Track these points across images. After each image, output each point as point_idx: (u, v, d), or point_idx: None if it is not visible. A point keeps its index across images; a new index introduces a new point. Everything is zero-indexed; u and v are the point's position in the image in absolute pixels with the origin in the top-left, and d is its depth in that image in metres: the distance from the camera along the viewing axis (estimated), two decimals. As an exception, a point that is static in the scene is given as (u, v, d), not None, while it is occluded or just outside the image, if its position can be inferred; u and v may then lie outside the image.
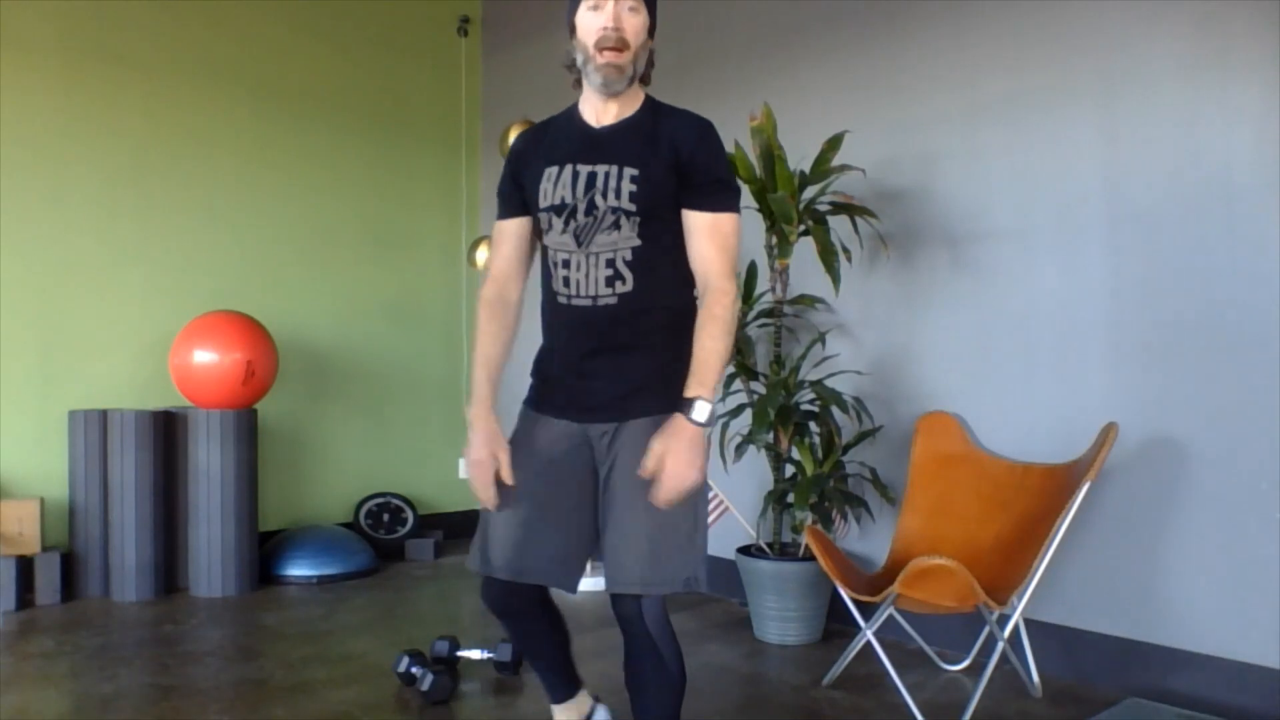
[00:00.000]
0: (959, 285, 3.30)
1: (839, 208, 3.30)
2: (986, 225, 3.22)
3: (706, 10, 4.16)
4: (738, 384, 3.50)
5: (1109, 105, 2.92)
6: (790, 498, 3.22)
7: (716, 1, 4.12)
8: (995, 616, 2.73)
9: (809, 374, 3.53)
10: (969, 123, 3.26)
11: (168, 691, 2.85)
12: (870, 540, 3.49)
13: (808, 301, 3.54)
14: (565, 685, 2.09)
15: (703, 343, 1.74)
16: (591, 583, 3.49)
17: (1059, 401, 3.02)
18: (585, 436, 1.86)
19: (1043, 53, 3.07)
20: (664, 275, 1.82)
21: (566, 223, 1.80)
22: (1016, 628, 2.81)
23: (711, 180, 1.80)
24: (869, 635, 2.71)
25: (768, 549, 3.44)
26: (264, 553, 4.25)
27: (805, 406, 3.40)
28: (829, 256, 3.18)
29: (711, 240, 1.79)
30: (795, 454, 3.42)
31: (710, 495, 3.38)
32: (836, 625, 3.41)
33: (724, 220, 1.80)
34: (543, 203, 1.83)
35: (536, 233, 1.92)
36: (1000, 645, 2.62)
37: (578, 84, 1.88)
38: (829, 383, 3.38)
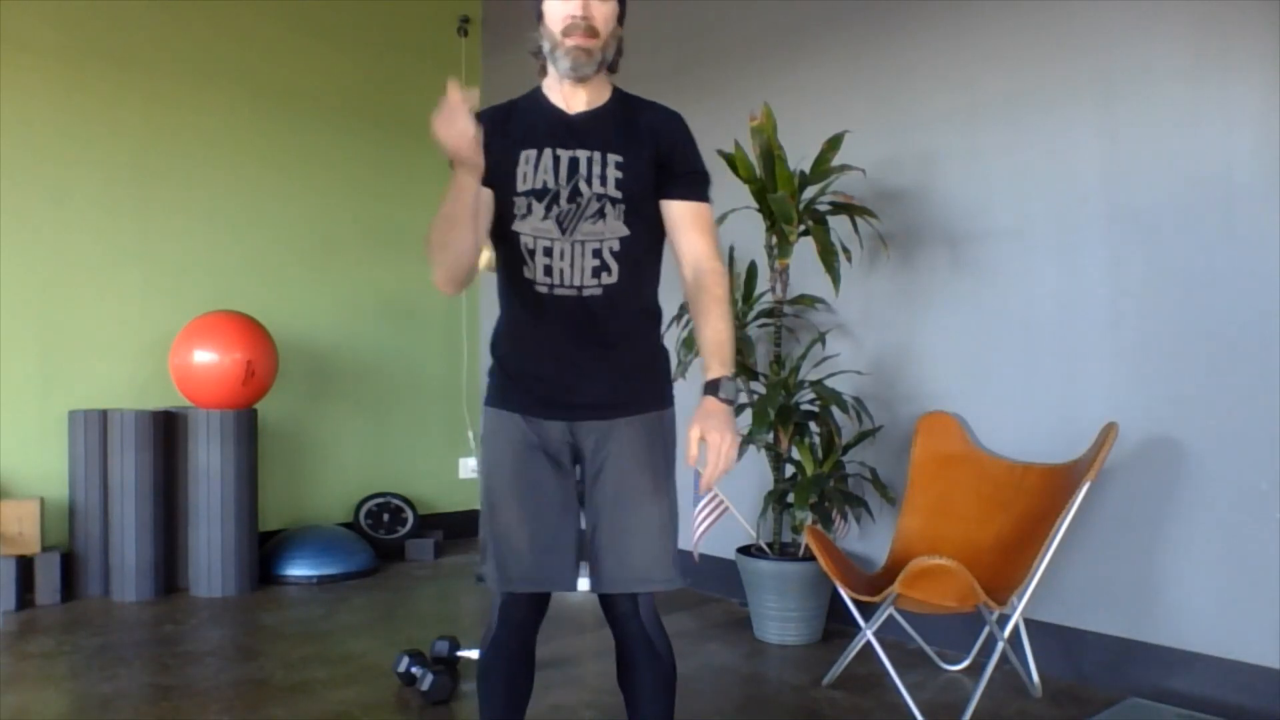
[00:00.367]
0: (959, 285, 3.30)
1: (839, 208, 3.30)
2: (986, 225, 3.22)
3: (706, 10, 4.16)
4: (738, 384, 3.50)
5: (1109, 105, 2.92)
6: (790, 498, 3.22)
7: (716, 1, 4.12)
8: (995, 616, 2.73)
9: (809, 374, 3.53)
10: (969, 122, 3.26)
11: (168, 691, 2.85)
12: (870, 540, 3.49)
13: (808, 301, 3.54)
14: None
15: (714, 324, 1.74)
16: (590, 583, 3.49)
17: (1059, 401, 3.02)
18: (571, 434, 1.80)
19: (1043, 53, 3.07)
20: (644, 269, 1.82)
21: (549, 208, 1.74)
22: (1016, 628, 2.81)
23: (693, 171, 1.82)
24: (869, 635, 2.71)
25: (768, 549, 3.44)
26: (264, 553, 4.26)
27: (805, 406, 3.40)
28: (829, 256, 3.18)
29: (698, 228, 1.80)
30: (795, 454, 3.42)
31: (710, 495, 3.38)
32: (836, 625, 3.41)
33: (707, 209, 1.84)
34: (521, 186, 1.75)
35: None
36: (1000, 645, 2.62)
37: (543, 70, 1.82)
38: (829, 383, 3.38)
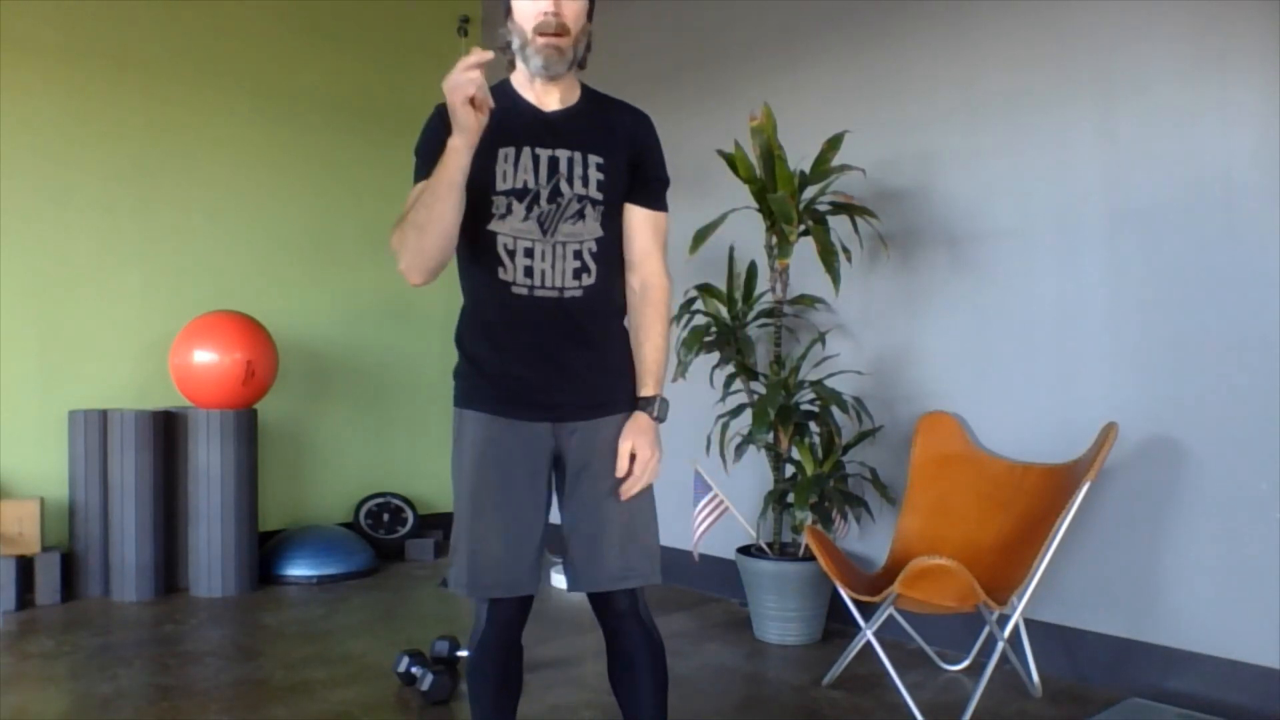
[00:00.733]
0: (959, 285, 3.30)
1: (839, 208, 3.30)
2: (986, 225, 3.22)
3: (706, 10, 4.16)
4: (738, 384, 3.50)
5: (1109, 105, 2.92)
6: (790, 498, 3.22)
7: (716, 1, 4.11)
8: (995, 616, 2.73)
9: (809, 374, 3.54)
10: (969, 122, 3.26)
11: (168, 691, 2.85)
12: (870, 540, 3.49)
13: (808, 301, 3.54)
14: None
15: (655, 341, 1.80)
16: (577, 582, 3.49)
17: (1059, 401, 3.02)
18: (550, 435, 1.78)
19: (1043, 53, 3.07)
20: (617, 270, 1.82)
21: (529, 209, 1.72)
22: (1016, 628, 2.81)
23: (657, 178, 1.84)
24: (869, 635, 2.71)
25: (768, 549, 3.44)
26: (264, 553, 4.25)
27: (805, 406, 3.40)
28: (829, 256, 3.18)
29: (655, 237, 1.83)
30: (795, 454, 3.42)
31: (710, 495, 3.39)
32: (836, 625, 3.41)
33: (664, 219, 1.86)
34: (500, 185, 1.71)
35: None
36: (1000, 645, 2.62)
37: (511, 65, 1.79)
38: (829, 383, 3.38)
